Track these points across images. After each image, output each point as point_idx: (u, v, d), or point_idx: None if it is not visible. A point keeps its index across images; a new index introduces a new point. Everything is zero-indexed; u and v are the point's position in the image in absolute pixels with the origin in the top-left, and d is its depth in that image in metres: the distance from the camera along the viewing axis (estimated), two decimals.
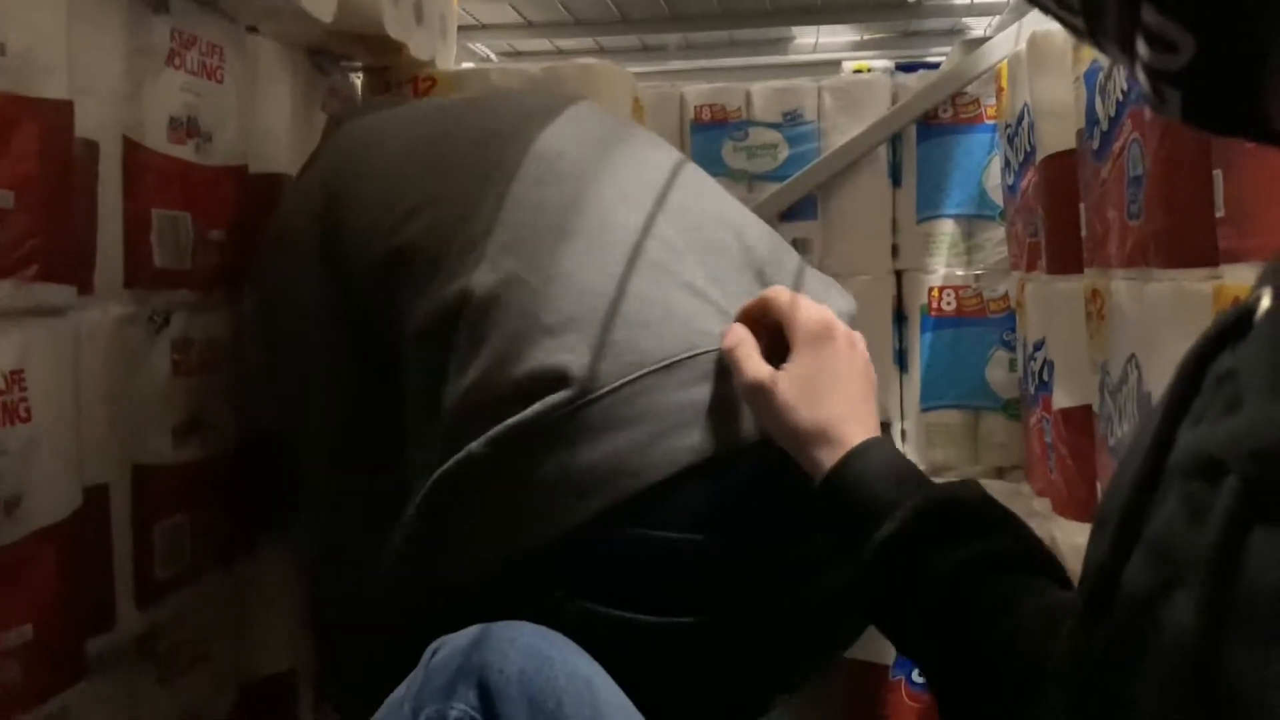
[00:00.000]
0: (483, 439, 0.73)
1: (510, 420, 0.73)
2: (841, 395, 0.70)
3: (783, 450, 0.71)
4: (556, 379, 0.73)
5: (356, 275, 0.86)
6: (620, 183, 0.84)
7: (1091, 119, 0.99)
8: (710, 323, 0.77)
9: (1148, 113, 0.84)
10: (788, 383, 0.70)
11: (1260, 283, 0.37)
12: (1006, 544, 0.59)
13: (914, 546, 0.59)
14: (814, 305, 0.75)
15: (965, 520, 0.60)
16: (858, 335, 0.75)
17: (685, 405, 0.74)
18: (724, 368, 0.75)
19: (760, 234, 0.89)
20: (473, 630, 0.62)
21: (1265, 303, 0.34)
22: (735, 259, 0.84)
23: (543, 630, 0.63)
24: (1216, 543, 0.29)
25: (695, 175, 0.92)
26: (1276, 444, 0.27)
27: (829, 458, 0.66)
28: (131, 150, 0.86)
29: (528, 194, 0.82)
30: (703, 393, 0.75)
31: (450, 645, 0.61)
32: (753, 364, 0.72)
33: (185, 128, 0.94)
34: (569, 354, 0.74)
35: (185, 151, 0.94)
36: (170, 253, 0.91)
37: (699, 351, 0.76)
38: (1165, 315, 0.83)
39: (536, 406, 0.73)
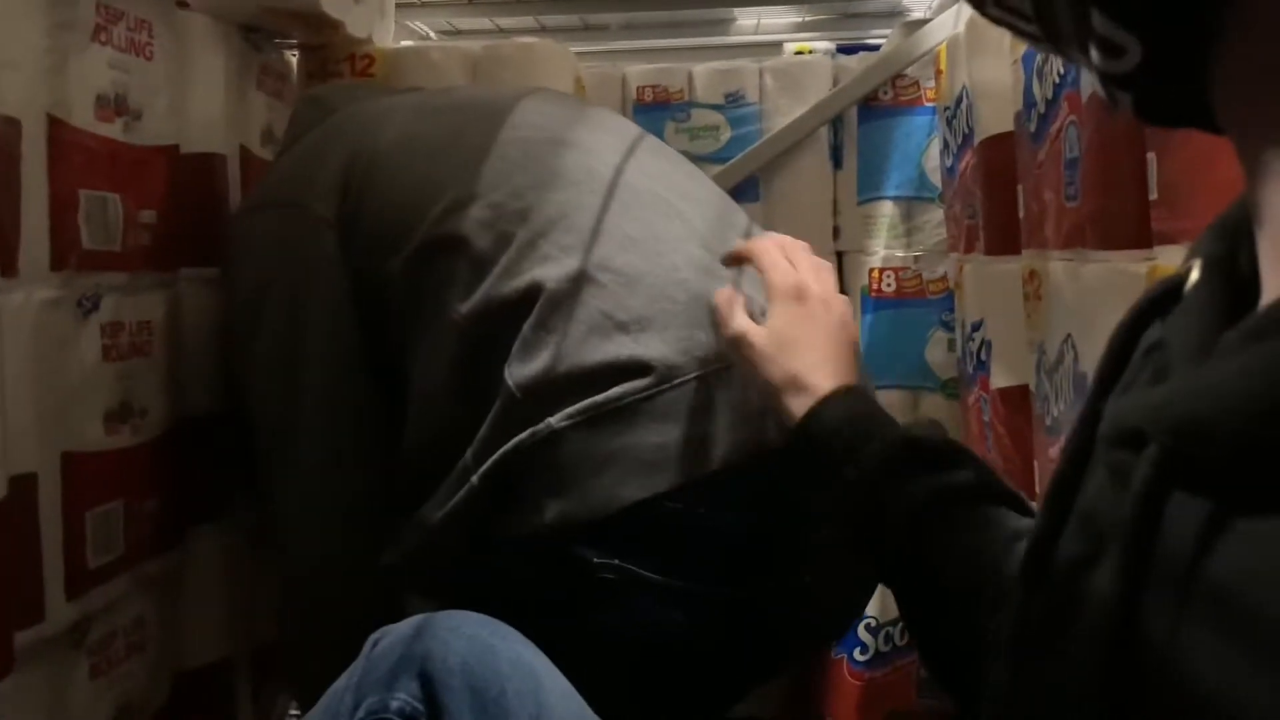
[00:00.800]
0: (562, 413, 0.78)
1: (592, 399, 0.78)
2: (813, 348, 0.74)
3: None
4: (637, 367, 0.79)
5: (376, 259, 0.89)
6: (661, 194, 0.91)
7: (1029, 102, 1.01)
8: None
9: (1084, 96, 0.85)
10: (764, 336, 0.75)
11: (1191, 254, 0.37)
12: (969, 477, 0.61)
13: (882, 482, 0.61)
14: (787, 268, 0.79)
15: (928, 456, 0.62)
16: (838, 297, 0.80)
17: (751, 400, 0.79)
18: None
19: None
20: (415, 620, 0.61)
21: (1194, 274, 0.35)
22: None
23: (485, 619, 0.63)
24: (1134, 512, 0.29)
25: (712, 189, 0.99)
26: (1194, 413, 0.28)
27: (800, 406, 0.70)
28: (56, 129, 0.83)
29: (584, 200, 0.87)
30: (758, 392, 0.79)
31: (392, 635, 0.61)
32: (737, 319, 0.77)
33: (113, 106, 0.91)
34: (645, 348, 0.79)
35: (113, 130, 0.91)
36: (99, 234, 0.89)
37: None
38: (1100, 296, 0.84)
39: (618, 388, 0.78)
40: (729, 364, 0.80)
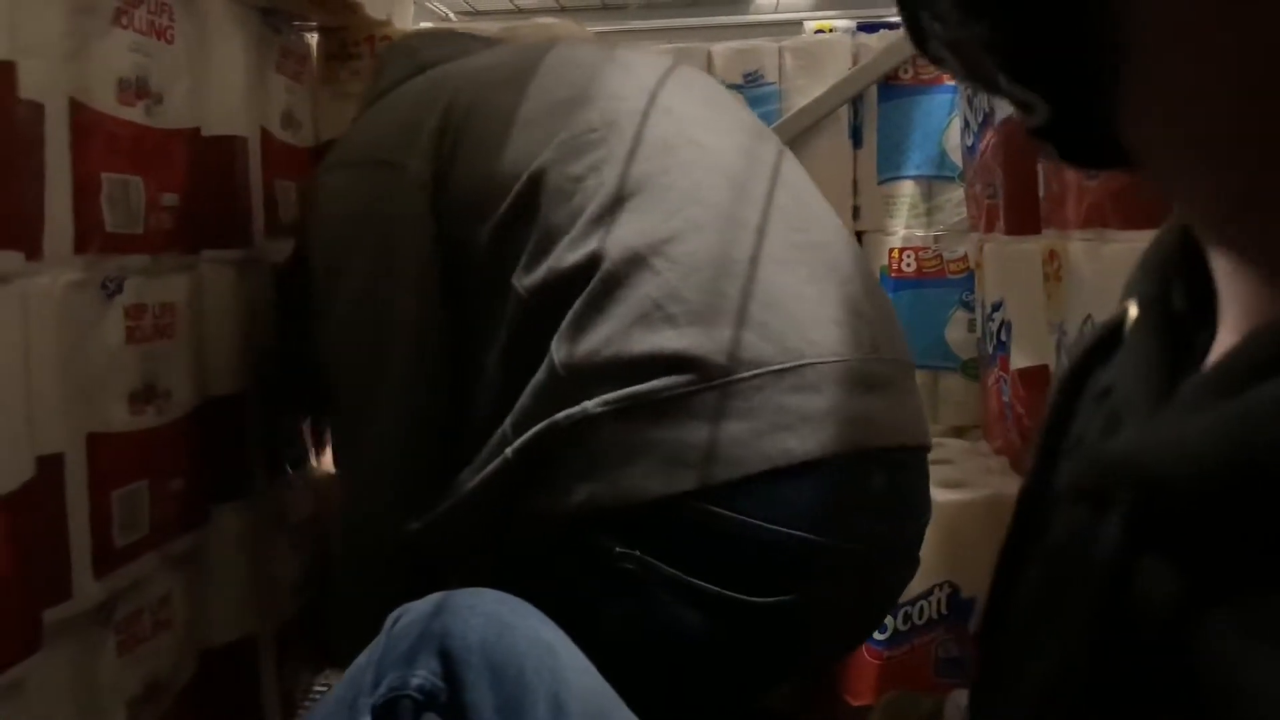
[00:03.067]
0: (599, 399, 0.78)
1: (631, 389, 0.78)
2: None
3: (862, 462, 0.79)
4: (680, 362, 0.78)
5: (464, 225, 0.89)
6: (738, 177, 0.88)
7: None
8: (815, 332, 0.82)
9: None
10: None
11: (1126, 293, 0.36)
12: None
13: None
14: None
15: None
16: None
17: (789, 409, 0.78)
18: (820, 379, 0.80)
19: (846, 242, 0.94)
20: (434, 597, 0.62)
21: (1132, 313, 0.34)
22: (827, 261, 0.88)
23: (504, 596, 0.63)
24: (1103, 574, 0.27)
25: (797, 170, 0.96)
26: (1159, 467, 0.26)
27: None
28: (79, 112, 0.84)
29: (656, 179, 0.85)
30: (802, 400, 0.79)
31: (412, 613, 0.61)
32: None
33: (135, 89, 0.92)
34: (691, 344, 0.78)
35: (135, 114, 0.92)
36: (122, 217, 0.90)
37: (804, 362, 0.80)
38: (1120, 277, 0.83)
39: (658, 381, 0.77)
40: (772, 369, 0.79)
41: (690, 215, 0.84)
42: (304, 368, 1.05)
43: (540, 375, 0.82)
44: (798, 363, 0.80)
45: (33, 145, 0.78)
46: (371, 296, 0.95)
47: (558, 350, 0.81)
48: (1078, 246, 0.94)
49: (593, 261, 0.82)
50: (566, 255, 0.83)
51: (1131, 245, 0.82)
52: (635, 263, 0.81)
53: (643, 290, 0.80)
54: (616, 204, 0.84)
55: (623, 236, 0.83)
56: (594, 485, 0.78)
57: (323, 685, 1.36)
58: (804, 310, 0.83)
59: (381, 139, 0.98)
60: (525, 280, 0.85)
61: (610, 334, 0.80)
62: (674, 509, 0.76)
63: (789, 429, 0.78)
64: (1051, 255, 1.03)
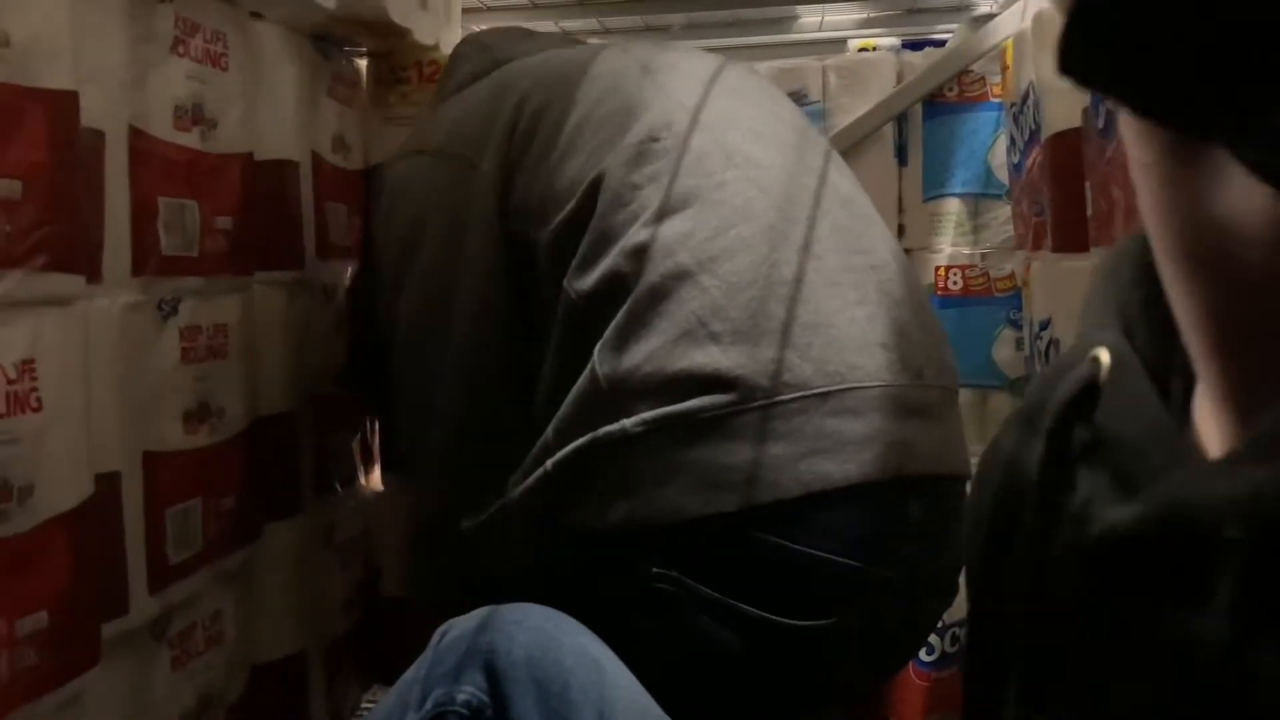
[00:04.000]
0: (638, 419, 0.78)
1: (670, 408, 0.78)
2: None
3: (901, 490, 0.78)
4: (721, 382, 0.78)
5: (528, 226, 0.90)
6: (789, 192, 0.88)
7: (1096, 97, 0.99)
8: (859, 356, 0.81)
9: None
10: None
11: (1086, 341, 0.35)
12: None
13: None
14: None
15: None
16: None
17: (828, 434, 0.78)
18: (861, 404, 0.79)
19: (902, 263, 0.93)
20: (480, 612, 0.63)
21: (1105, 360, 0.33)
22: (880, 284, 0.87)
23: (550, 612, 0.64)
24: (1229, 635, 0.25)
25: (848, 177, 0.94)
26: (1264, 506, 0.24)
27: None
28: (137, 139, 0.86)
29: (708, 193, 0.85)
30: (842, 425, 0.79)
31: (458, 628, 0.62)
32: None
33: (190, 115, 0.94)
34: (733, 363, 0.78)
35: (191, 139, 0.94)
36: (177, 240, 0.92)
37: (845, 386, 0.80)
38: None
39: (697, 401, 0.77)
40: (813, 391, 0.79)
41: (740, 232, 0.84)
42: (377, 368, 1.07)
43: (582, 384, 0.82)
44: (839, 386, 0.80)
45: (94, 172, 0.81)
46: (442, 271, 0.96)
47: (601, 361, 0.81)
48: None
49: (639, 270, 0.82)
50: (616, 263, 0.84)
51: None
52: (681, 277, 0.81)
53: (688, 307, 0.80)
54: (665, 214, 0.84)
55: (671, 248, 0.82)
56: (631, 503, 0.78)
57: (370, 702, 1.37)
58: (849, 333, 0.82)
59: (459, 133, 0.99)
60: (576, 283, 0.85)
61: (653, 349, 0.80)
62: (711, 530, 0.76)
63: (827, 453, 0.77)
64: None
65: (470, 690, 0.60)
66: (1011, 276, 1.51)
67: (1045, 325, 1.26)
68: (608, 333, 0.82)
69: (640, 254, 0.83)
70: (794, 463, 0.77)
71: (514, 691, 0.59)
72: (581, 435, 0.81)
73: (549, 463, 0.83)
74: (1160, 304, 0.30)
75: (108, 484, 0.81)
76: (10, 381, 0.66)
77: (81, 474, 0.75)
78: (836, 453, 0.78)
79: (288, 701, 1.15)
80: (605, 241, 0.85)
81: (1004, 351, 1.52)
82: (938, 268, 1.53)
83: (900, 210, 1.56)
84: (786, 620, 0.76)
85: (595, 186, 0.87)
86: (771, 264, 0.83)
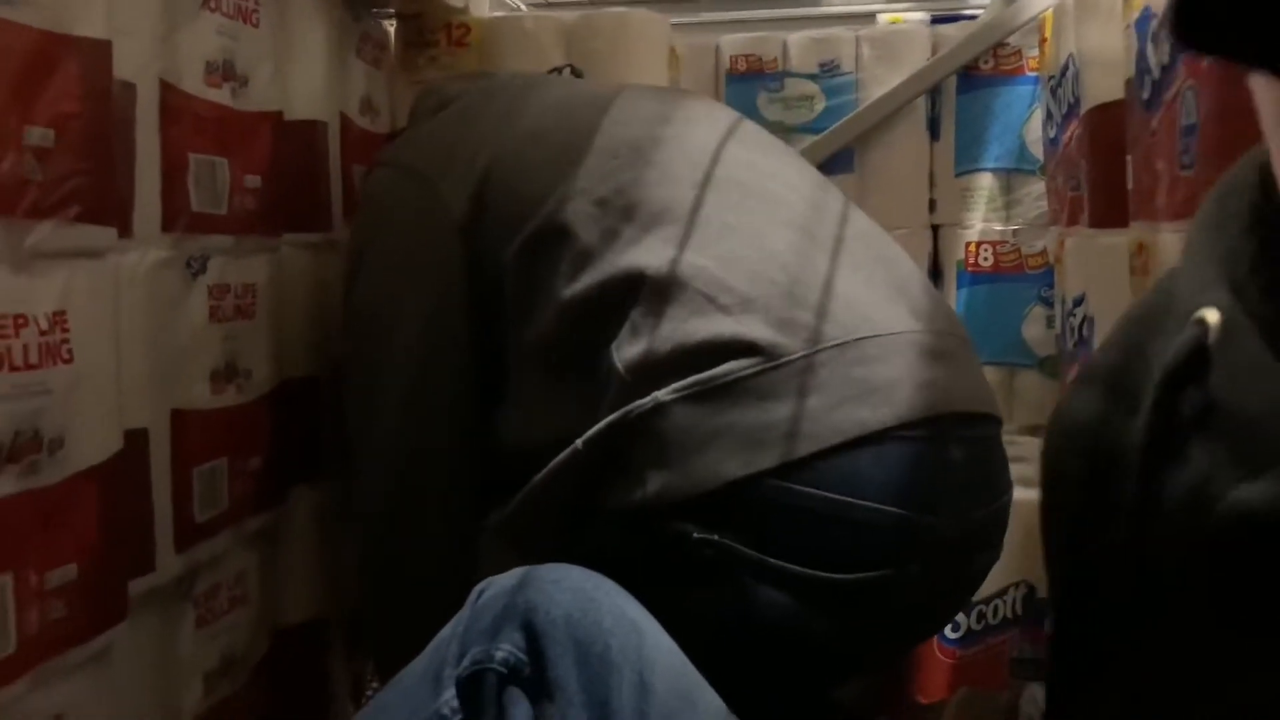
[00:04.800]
0: (669, 388, 0.78)
1: (699, 375, 0.78)
2: None
3: (938, 431, 0.78)
4: (741, 346, 0.79)
5: (496, 246, 0.92)
6: (759, 183, 0.91)
7: (1142, 68, 0.97)
8: (868, 309, 0.82)
9: (1204, 59, 0.82)
10: None
11: (1185, 302, 0.33)
12: None
13: None
14: None
15: None
16: None
17: (857, 381, 0.78)
18: (883, 351, 0.80)
19: (920, 276, 0.94)
20: (518, 571, 0.62)
21: (1213, 321, 0.31)
22: (867, 251, 0.89)
23: (588, 573, 0.63)
24: None
25: (867, 220, 0.96)
26: None
27: None
28: (168, 93, 0.85)
29: (686, 194, 0.88)
30: (868, 371, 0.79)
31: (496, 586, 0.61)
32: None
33: (221, 71, 0.93)
34: (748, 328, 0.79)
35: (221, 96, 0.93)
36: (207, 198, 0.91)
37: (862, 336, 0.80)
38: None
39: (723, 366, 0.78)
40: (833, 344, 0.79)
41: (725, 219, 0.86)
42: None
43: (606, 387, 0.83)
44: (856, 336, 0.80)
45: (125, 125, 0.80)
46: (391, 278, 0.97)
47: (619, 357, 0.82)
48: (1169, 239, 0.91)
49: (636, 275, 0.83)
50: (607, 273, 0.85)
51: None
52: (682, 267, 0.83)
53: (691, 288, 0.81)
54: (651, 222, 0.86)
55: (662, 249, 0.84)
56: (668, 473, 0.77)
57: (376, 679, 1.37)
58: (853, 291, 0.83)
59: (422, 152, 1.01)
60: (565, 295, 0.86)
61: (667, 331, 0.81)
62: (751, 490, 0.76)
63: (858, 399, 0.77)
64: (1140, 248, 1.01)
65: (508, 649, 0.59)
66: (1043, 253, 1.49)
67: (1079, 302, 1.24)
68: (620, 334, 0.83)
69: (635, 264, 0.84)
70: (828, 412, 0.76)
71: (553, 651, 0.58)
72: (612, 415, 0.81)
73: (579, 442, 0.82)
74: (1278, 259, 0.28)
75: (136, 441, 0.80)
76: (42, 332, 0.66)
77: (111, 428, 0.74)
78: (868, 398, 0.77)
79: (309, 666, 1.15)
80: (588, 254, 0.86)
81: (1034, 329, 1.50)
82: (968, 243, 1.52)
83: (931, 185, 1.55)
84: (836, 575, 0.76)
85: (562, 202, 0.89)
86: (758, 237, 0.85)
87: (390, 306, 0.97)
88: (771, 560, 0.76)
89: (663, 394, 0.79)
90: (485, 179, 0.94)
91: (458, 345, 0.95)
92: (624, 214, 0.87)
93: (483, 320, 0.95)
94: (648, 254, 0.84)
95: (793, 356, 0.78)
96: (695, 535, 0.76)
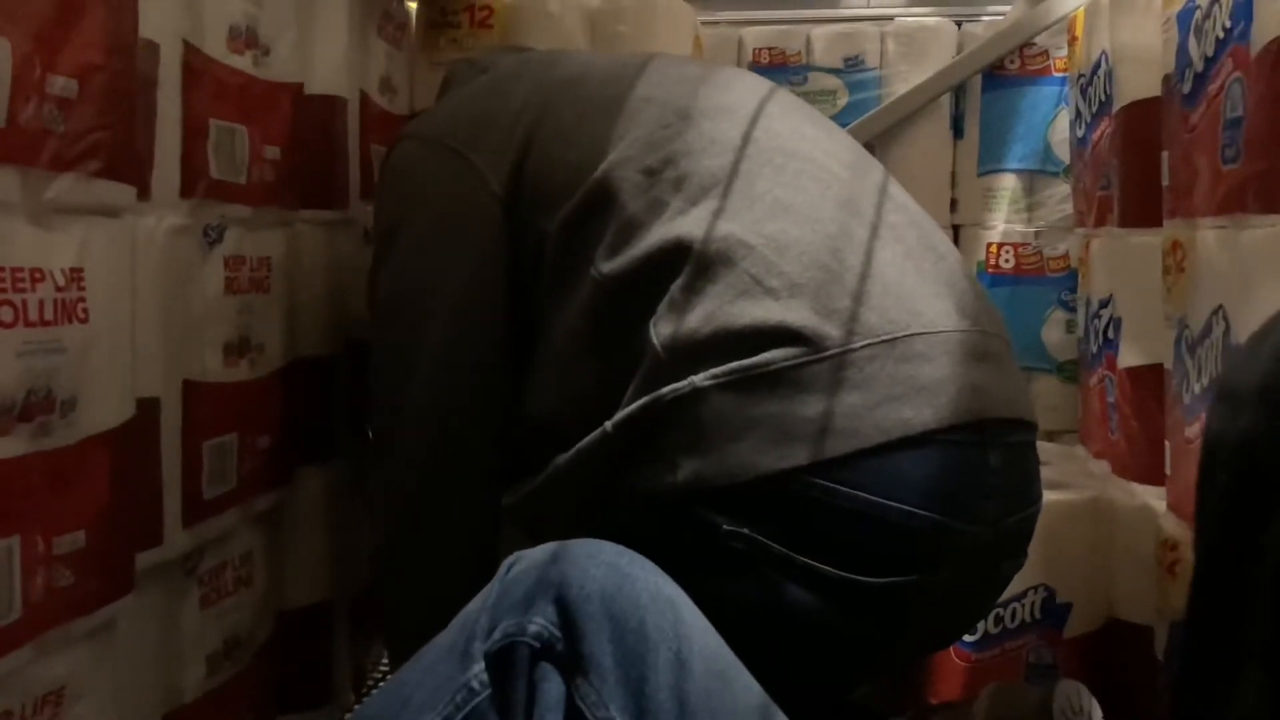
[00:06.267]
0: (706, 373, 0.75)
1: (740, 362, 0.75)
2: None
3: (979, 435, 0.76)
4: (786, 335, 0.75)
5: (540, 216, 0.89)
6: (809, 154, 0.87)
7: (1183, 62, 0.95)
8: (919, 304, 0.79)
9: (1253, 50, 0.80)
10: None
11: None
12: None
13: None
14: None
15: None
16: None
17: (902, 379, 0.75)
18: (930, 349, 0.77)
19: (957, 255, 0.92)
20: (550, 546, 0.60)
21: None
22: (917, 238, 0.86)
23: (622, 549, 0.61)
24: None
25: (906, 194, 0.93)
26: None
27: None
28: (192, 55, 0.83)
29: (736, 166, 0.84)
30: (914, 370, 0.76)
31: (527, 559, 0.59)
32: None
33: (244, 38, 0.91)
34: (796, 315, 0.76)
35: (243, 63, 0.91)
36: (226, 165, 0.89)
37: (912, 332, 0.77)
38: (1260, 263, 0.79)
39: (766, 354, 0.75)
40: (882, 339, 0.76)
41: (778, 195, 0.83)
42: None
43: (642, 363, 0.80)
44: (906, 332, 0.77)
45: (147, 85, 0.78)
46: (427, 253, 0.95)
47: (657, 335, 0.79)
48: (1209, 235, 0.89)
49: (683, 248, 0.80)
50: (651, 244, 0.82)
51: (1275, 230, 0.77)
52: (729, 243, 0.79)
53: (740, 267, 0.78)
54: (699, 194, 0.83)
55: (711, 222, 0.81)
56: (701, 461, 0.75)
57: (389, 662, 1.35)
58: (904, 283, 0.80)
59: (451, 127, 0.98)
60: (605, 267, 0.83)
61: (711, 311, 0.77)
62: (785, 485, 0.73)
63: (902, 399, 0.74)
64: (1175, 246, 0.99)
65: (541, 622, 0.57)
66: (1065, 256, 1.48)
67: (1105, 303, 1.22)
68: (660, 308, 0.80)
69: (679, 232, 0.81)
70: (871, 410, 0.74)
71: (587, 626, 0.56)
72: (645, 396, 0.78)
73: (608, 424, 0.80)
74: None
75: (148, 409, 0.78)
76: (59, 289, 0.64)
77: (124, 394, 0.72)
78: (912, 398, 0.75)
79: (312, 650, 1.12)
80: (633, 226, 0.83)
81: (1053, 333, 1.48)
82: (990, 245, 1.50)
83: (954, 184, 1.53)
84: (866, 578, 0.73)
85: (609, 174, 0.86)
86: (815, 220, 0.81)
87: (425, 284, 0.94)
88: (801, 558, 0.73)
89: (700, 379, 0.76)
90: (526, 148, 0.92)
91: (494, 323, 0.93)
92: (673, 184, 0.84)
93: (516, 292, 0.92)
94: (694, 226, 0.81)
95: (837, 350, 0.75)
96: (725, 527, 0.74)
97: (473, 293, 0.92)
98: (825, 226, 0.81)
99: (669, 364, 0.77)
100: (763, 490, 0.73)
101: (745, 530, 0.73)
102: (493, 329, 0.93)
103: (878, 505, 0.73)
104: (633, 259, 0.82)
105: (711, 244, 0.79)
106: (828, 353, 0.75)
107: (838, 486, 0.73)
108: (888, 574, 0.74)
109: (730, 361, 0.75)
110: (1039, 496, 0.85)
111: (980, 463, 0.77)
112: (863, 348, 0.75)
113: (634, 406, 0.78)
